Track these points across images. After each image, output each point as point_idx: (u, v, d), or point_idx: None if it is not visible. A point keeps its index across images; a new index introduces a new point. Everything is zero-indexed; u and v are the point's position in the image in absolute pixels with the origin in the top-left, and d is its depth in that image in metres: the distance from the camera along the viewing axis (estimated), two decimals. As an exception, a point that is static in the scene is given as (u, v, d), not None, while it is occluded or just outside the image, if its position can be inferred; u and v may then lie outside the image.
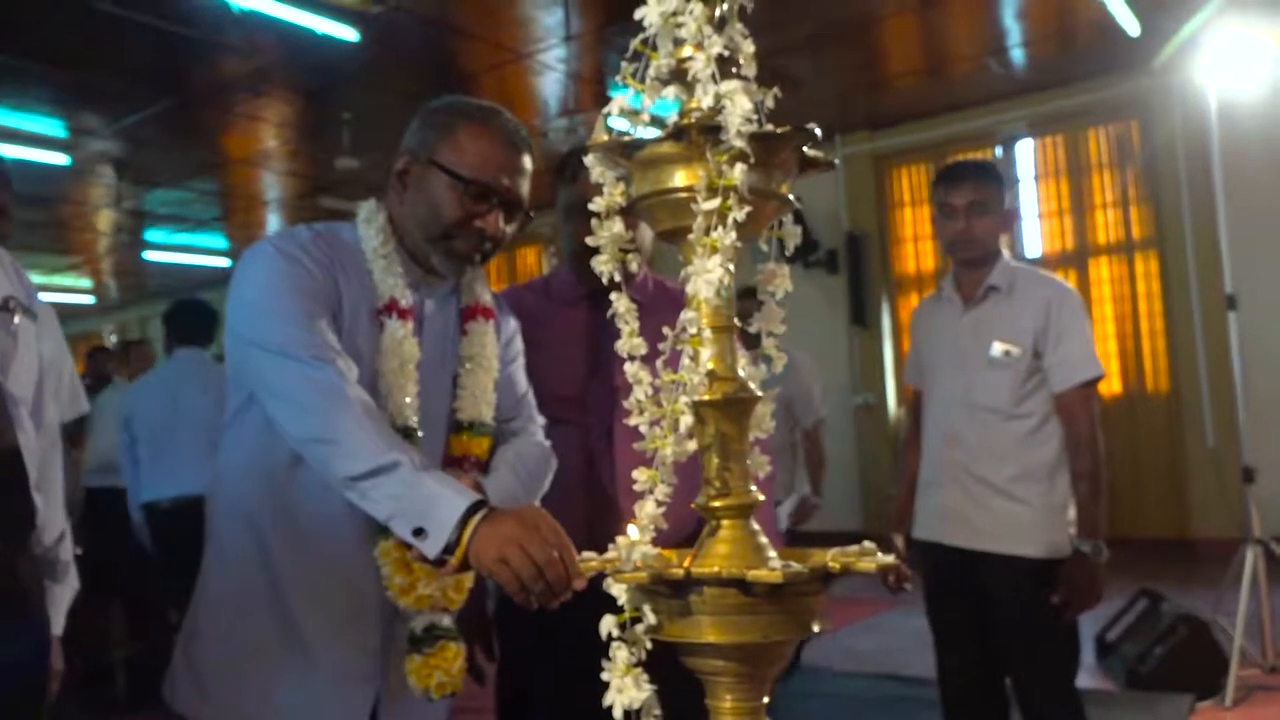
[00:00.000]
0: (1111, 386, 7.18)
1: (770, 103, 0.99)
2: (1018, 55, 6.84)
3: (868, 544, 0.96)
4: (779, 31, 5.88)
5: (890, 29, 6.35)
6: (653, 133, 0.99)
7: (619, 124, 1.01)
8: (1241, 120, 5.62)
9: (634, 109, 0.99)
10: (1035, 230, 7.64)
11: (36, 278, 9.30)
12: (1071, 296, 2.42)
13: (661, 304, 1.91)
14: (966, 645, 2.45)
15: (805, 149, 1.00)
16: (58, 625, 1.58)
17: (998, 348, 2.38)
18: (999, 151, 7.78)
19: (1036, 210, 7.64)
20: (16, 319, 1.45)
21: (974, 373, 2.42)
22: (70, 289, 13.54)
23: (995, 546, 2.35)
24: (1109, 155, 7.29)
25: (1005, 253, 2.49)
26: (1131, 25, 5.98)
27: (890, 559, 0.93)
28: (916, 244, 8.05)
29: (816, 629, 0.94)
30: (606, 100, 1.00)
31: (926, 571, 2.53)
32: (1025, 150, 7.75)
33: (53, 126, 7.21)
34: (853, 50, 6.55)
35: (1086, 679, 3.98)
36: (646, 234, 1.78)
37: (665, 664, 0.95)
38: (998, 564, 2.35)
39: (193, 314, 4.39)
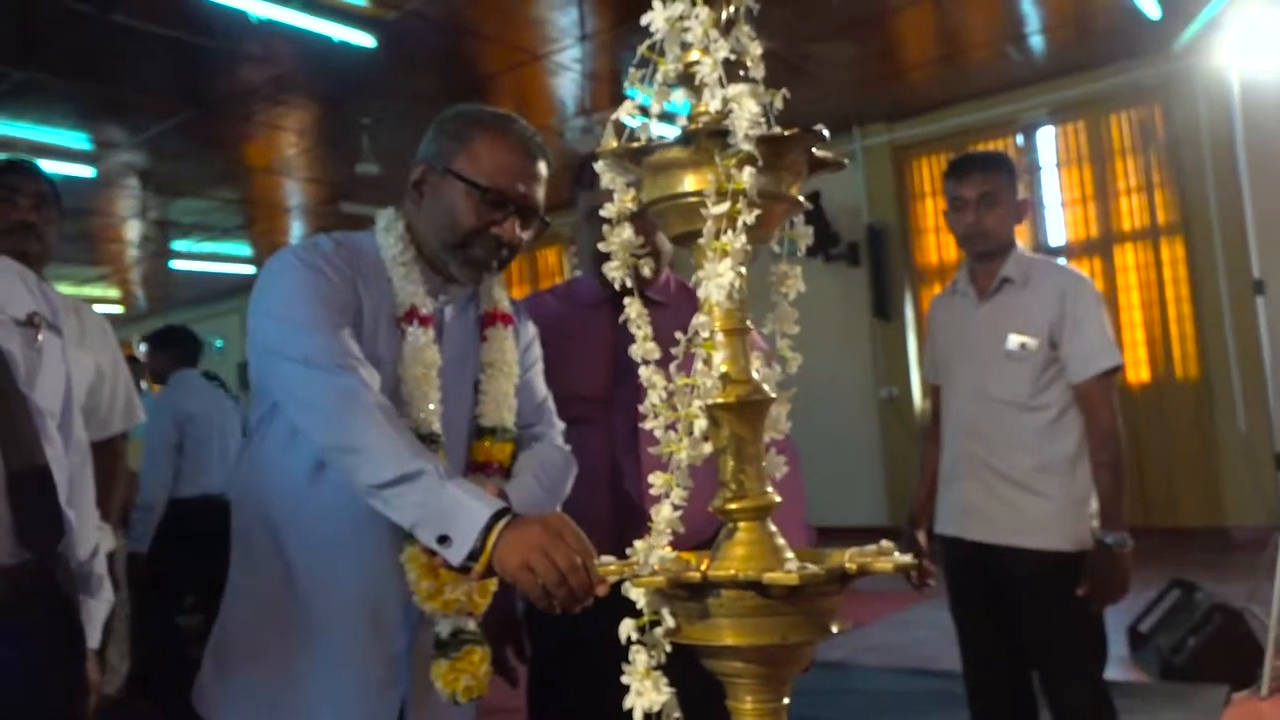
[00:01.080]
0: (1140, 374, 7.11)
1: (779, 104, 0.99)
2: (1037, 42, 6.78)
3: (885, 543, 0.96)
4: (795, 25, 5.86)
5: (906, 19, 6.31)
6: (666, 128, 1.00)
7: (633, 122, 1.01)
8: (1265, 102, 5.55)
9: (645, 108, 1.00)
10: (1059, 218, 7.58)
11: (67, 288, 9.44)
12: (1087, 285, 2.40)
13: (684, 303, 1.92)
14: (992, 640, 2.43)
15: (815, 150, 1.00)
16: (94, 639, 1.61)
17: (1014, 340, 2.36)
18: (1020, 139, 7.72)
19: (1059, 198, 7.57)
20: (40, 335, 1.47)
21: (990, 365, 2.40)
22: (100, 299, 13.72)
23: (1016, 540, 2.34)
24: (1132, 141, 7.21)
25: (1019, 244, 2.48)
26: (1152, 8, 5.91)
27: (907, 559, 0.93)
28: (938, 235, 7.99)
29: (835, 630, 0.94)
30: (623, 99, 1.00)
31: (949, 566, 2.52)
32: (1046, 137, 7.68)
33: (77, 140, 7.30)
34: (869, 41, 6.51)
35: (1120, 671, 3.95)
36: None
37: (686, 666, 0.96)
38: (1019, 558, 2.33)
39: (187, 340, 4.76)
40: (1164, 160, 7.07)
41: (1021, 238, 2.51)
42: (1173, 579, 4.41)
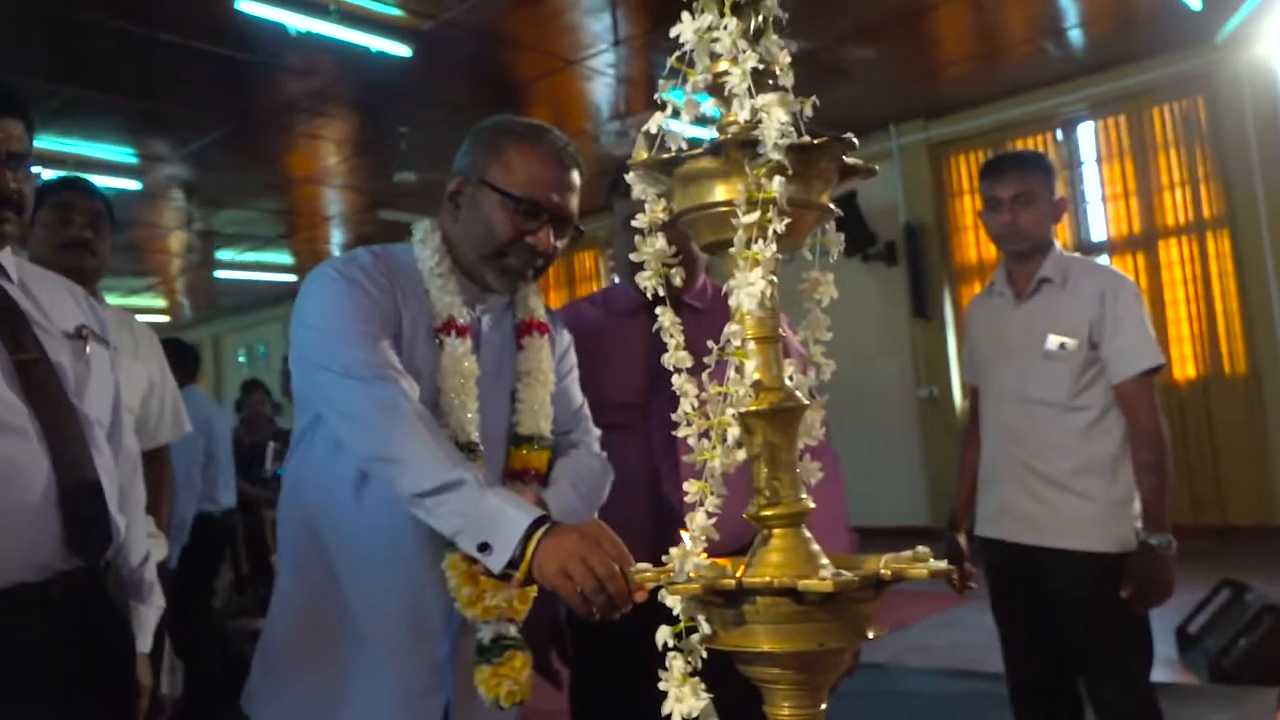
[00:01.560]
0: (1186, 371, 6.99)
1: (809, 111, 0.99)
2: (1075, 36, 6.69)
3: (921, 549, 0.96)
4: (831, 24, 5.84)
5: (943, 15, 6.26)
6: (703, 130, 1.01)
7: (672, 125, 1.01)
8: (1313, 92, 5.45)
9: (679, 109, 1.01)
10: (1100, 214, 7.48)
11: (115, 299, 9.61)
12: (1126, 284, 2.37)
13: (721, 309, 1.93)
14: (1034, 642, 2.41)
15: (845, 156, 1.00)
16: (145, 644, 1.65)
17: (1053, 340, 2.34)
18: (1059, 135, 7.63)
19: (1101, 193, 7.47)
20: (88, 347, 1.52)
21: (1029, 366, 2.38)
22: (147, 309, 13.99)
23: (1058, 542, 2.31)
24: (1175, 134, 7.09)
25: (1057, 243, 2.45)
26: (1194, -1, 5.82)
27: (943, 565, 0.92)
28: (977, 233, 7.91)
29: (872, 635, 0.94)
30: (656, 102, 1.01)
31: (989, 569, 2.50)
32: (1087, 133, 7.58)
33: (123, 154, 7.46)
34: (905, 39, 6.47)
35: (1168, 673, 3.89)
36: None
37: (723, 671, 0.96)
38: (1061, 560, 2.30)
39: (191, 355, 4.85)
40: (1208, 153, 6.95)
41: (1063, 235, 2.48)
42: (1222, 579, 4.34)
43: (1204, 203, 6.99)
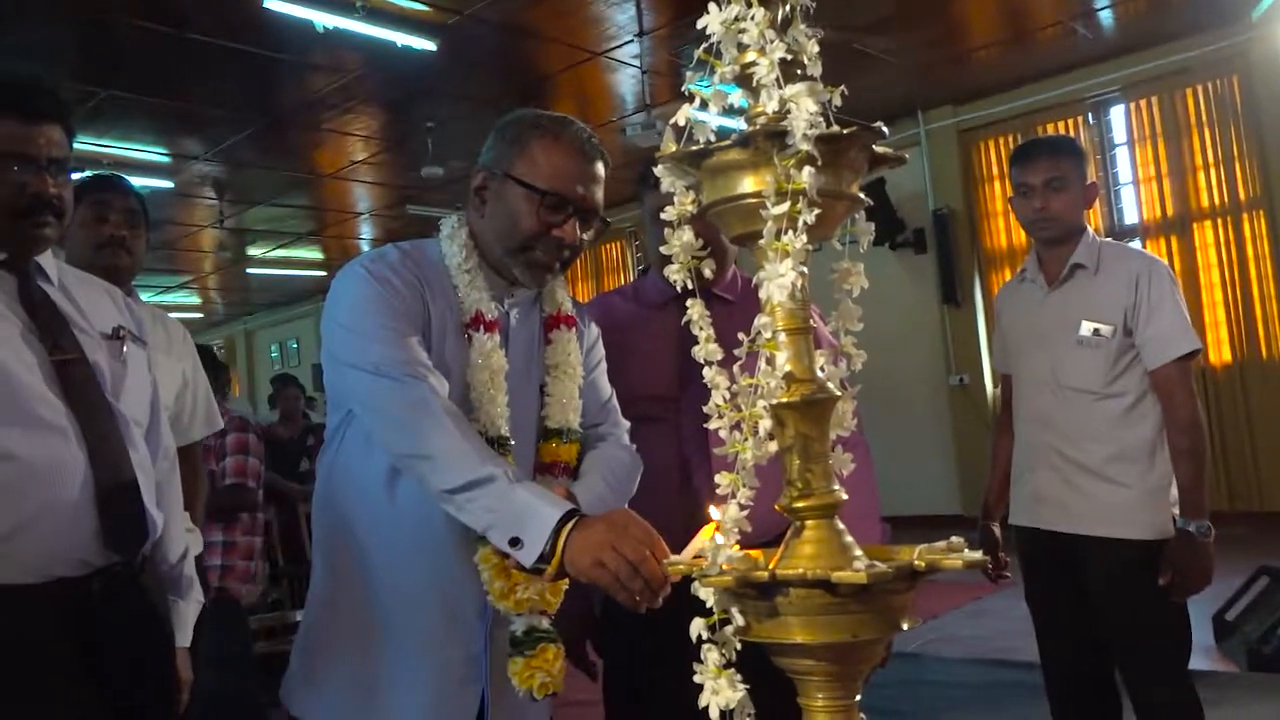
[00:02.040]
0: (1223, 355, 6.88)
1: (838, 100, 0.98)
2: (1106, 16, 6.59)
3: (955, 540, 0.96)
4: (857, 9, 5.79)
5: (970, -1, 6.21)
6: (732, 120, 1.01)
7: (699, 115, 1.01)
8: (1352, 69, 5.33)
9: (706, 100, 1.01)
10: (1133, 198, 7.37)
11: (149, 297, 9.74)
12: (1160, 268, 2.33)
13: (752, 301, 1.92)
14: (1070, 632, 2.39)
15: (874, 145, 1.00)
16: (184, 638, 1.67)
17: (1087, 327, 2.31)
18: (1090, 118, 7.52)
19: (1133, 177, 7.36)
20: (126, 347, 1.54)
21: (1062, 354, 2.35)
22: (181, 307, 14.16)
23: (1094, 530, 2.29)
24: (1209, 114, 6.97)
25: (1089, 229, 2.42)
26: (1227, -23, 5.72)
27: (977, 556, 0.92)
28: (1007, 218, 7.82)
29: (906, 626, 0.94)
30: (683, 94, 1.01)
31: (1024, 558, 2.47)
32: (1118, 115, 7.47)
33: (156, 153, 7.55)
34: (932, 24, 6.40)
35: (1205, 661, 3.85)
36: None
37: (757, 663, 0.96)
38: (1097, 547, 2.28)
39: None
40: (1243, 133, 6.83)
41: (1095, 219, 2.46)
42: (1260, 566, 4.28)
43: (1239, 184, 6.87)
